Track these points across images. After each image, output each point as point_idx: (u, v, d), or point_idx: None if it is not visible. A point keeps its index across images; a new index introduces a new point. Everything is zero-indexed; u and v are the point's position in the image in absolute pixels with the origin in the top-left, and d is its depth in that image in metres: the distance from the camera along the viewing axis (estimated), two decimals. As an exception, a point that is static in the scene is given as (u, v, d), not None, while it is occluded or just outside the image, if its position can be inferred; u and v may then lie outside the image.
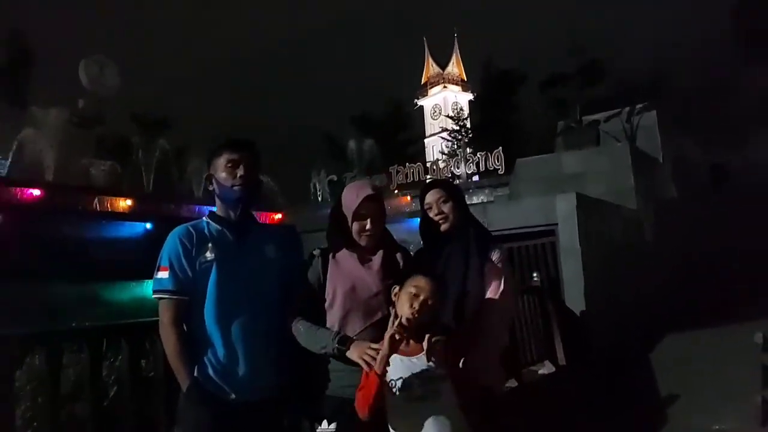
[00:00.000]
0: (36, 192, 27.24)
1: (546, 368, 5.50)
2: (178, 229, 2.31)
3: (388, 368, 2.03)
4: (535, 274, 6.02)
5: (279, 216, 33.96)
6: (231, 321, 2.22)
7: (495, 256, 2.47)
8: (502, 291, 2.41)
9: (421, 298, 2.09)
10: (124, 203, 30.03)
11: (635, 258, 7.83)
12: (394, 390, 2.05)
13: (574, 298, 6.00)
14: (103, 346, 2.80)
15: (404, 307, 2.09)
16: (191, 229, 2.31)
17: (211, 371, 2.19)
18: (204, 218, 2.39)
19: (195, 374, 2.18)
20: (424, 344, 2.03)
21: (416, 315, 2.07)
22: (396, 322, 2.05)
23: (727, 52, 37.46)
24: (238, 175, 2.29)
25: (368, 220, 2.29)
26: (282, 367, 2.29)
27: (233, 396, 2.19)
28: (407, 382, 2.05)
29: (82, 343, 2.49)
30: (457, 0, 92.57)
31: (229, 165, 2.30)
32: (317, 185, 44.68)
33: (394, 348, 2.03)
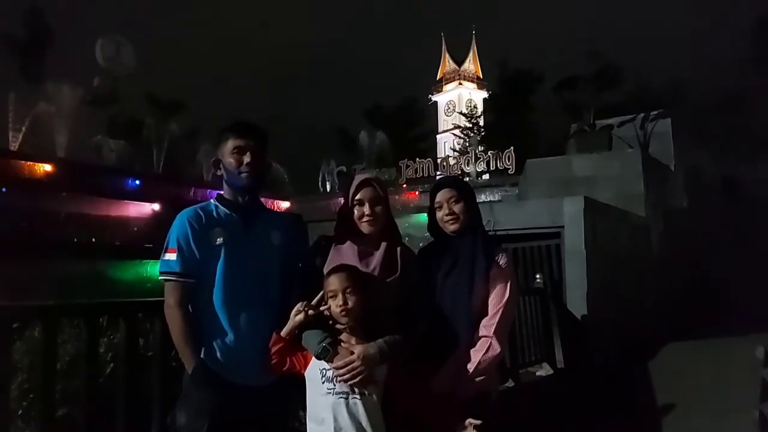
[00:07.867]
0: (47, 168, 27.41)
1: (544, 370, 5.49)
2: (186, 211, 2.27)
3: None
4: (538, 276, 6.00)
5: (287, 204, 34.03)
6: (240, 305, 2.21)
7: (502, 260, 2.41)
8: (507, 298, 2.35)
9: (339, 296, 2.12)
10: (133, 183, 30.17)
11: (640, 265, 7.79)
12: (321, 380, 2.09)
13: (576, 302, 5.97)
14: (102, 323, 2.81)
15: (332, 308, 2.14)
16: (200, 211, 2.28)
17: (218, 354, 2.18)
18: (211, 201, 2.36)
19: (202, 356, 2.16)
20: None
21: (344, 312, 2.12)
22: (314, 304, 2.15)
23: (746, 68, 37.07)
24: (245, 162, 2.26)
25: (366, 205, 2.33)
26: None
27: (239, 380, 2.19)
28: (333, 375, 2.08)
29: (81, 320, 2.49)
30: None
31: (236, 151, 2.27)
32: (326, 176, 44.69)
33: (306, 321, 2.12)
